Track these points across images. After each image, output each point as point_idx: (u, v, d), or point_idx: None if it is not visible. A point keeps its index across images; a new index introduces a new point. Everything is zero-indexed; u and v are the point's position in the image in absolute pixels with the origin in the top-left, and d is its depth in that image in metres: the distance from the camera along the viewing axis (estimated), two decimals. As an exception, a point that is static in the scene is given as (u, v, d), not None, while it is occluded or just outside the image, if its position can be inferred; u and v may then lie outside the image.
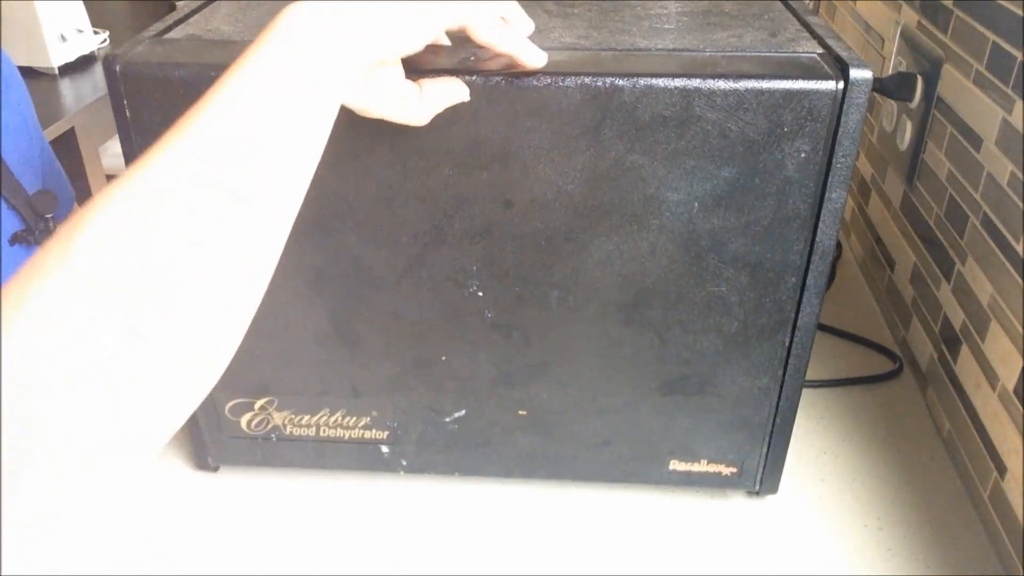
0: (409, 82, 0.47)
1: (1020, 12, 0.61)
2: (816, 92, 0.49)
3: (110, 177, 1.79)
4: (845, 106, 0.50)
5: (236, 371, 0.61)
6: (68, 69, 1.79)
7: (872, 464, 0.71)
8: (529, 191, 0.53)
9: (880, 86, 0.81)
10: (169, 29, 0.58)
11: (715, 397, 0.61)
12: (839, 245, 0.99)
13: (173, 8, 0.70)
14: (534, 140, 0.52)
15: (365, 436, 0.65)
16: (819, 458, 0.71)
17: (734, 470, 0.64)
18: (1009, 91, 0.63)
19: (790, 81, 0.49)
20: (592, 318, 0.58)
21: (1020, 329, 0.60)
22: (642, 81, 0.50)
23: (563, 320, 0.58)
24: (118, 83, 0.52)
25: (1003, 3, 0.64)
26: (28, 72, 1.75)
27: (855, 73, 0.49)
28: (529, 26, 0.52)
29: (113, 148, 1.85)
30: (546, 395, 0.62)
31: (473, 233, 0.55)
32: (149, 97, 0.53)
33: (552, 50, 0.52)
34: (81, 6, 1.80)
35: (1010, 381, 0.61)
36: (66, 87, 1.74)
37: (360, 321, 0.59)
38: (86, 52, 1.83)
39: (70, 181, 0.71)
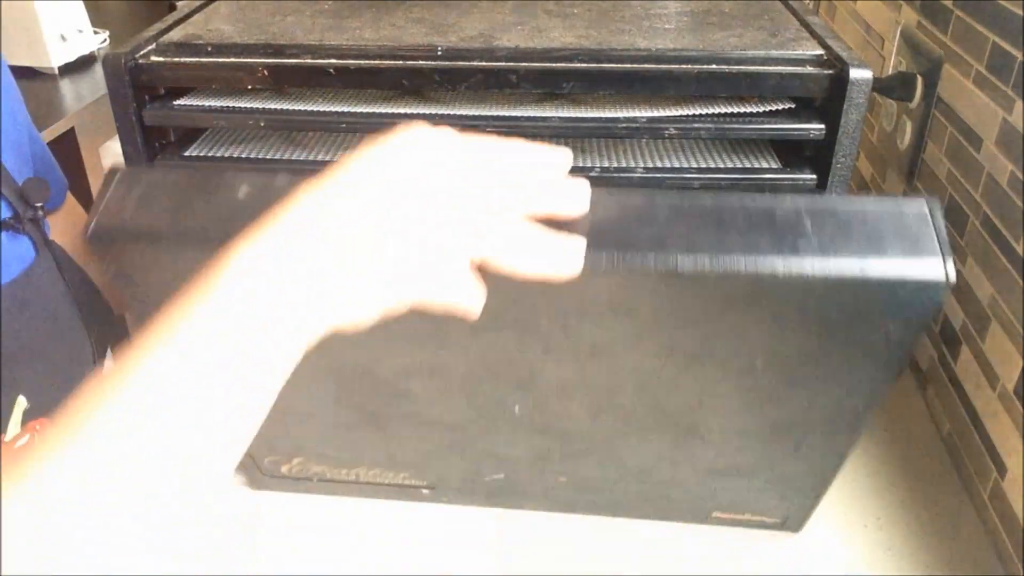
0: None
1: (1020, 12, 0.61)
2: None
3: (110, 177, 1.78)
4: (845, 106, 0.50)
5: (269, 436, 0.59)
6: (68, 69, 1.79)
7: (872, 464, 0.71)
8: (555, 368, 0.48)
9: (880, 86, 0.81)
10: (169, 29, 0.58)
11: (765, 478, 0.57)
12: (839, 245, 0.99)
13: (173, 8, 0.70)
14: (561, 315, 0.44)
15: (405, 483, 0.63)
16: (819, 458, 0.71)
17: (777, 520, 0.62)
18: (1009, 91, 0.63)
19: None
20: (634, 428, 0.53)
21: (1020, 329, 0.60)
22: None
23: (606, 428, 0.54)
24: (119, 84, 0.52)
25: (1003, 3, 0.64)
26: (28, 72, 1.75)
27: (855, 73, 0.49)
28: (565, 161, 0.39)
29: (113, 148, 1.85)
30: (586, 471, 0.59)
31: (508, 382, 0.50)
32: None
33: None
34: (81, 6, 1.80)
35: (1010, 381, 0.61)
36: (66, 87, 1.74)
37: (390, 415, 0.56)
38: (86, 52, 1.83)
39: (67, 175, 0.70)
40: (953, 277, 0.38)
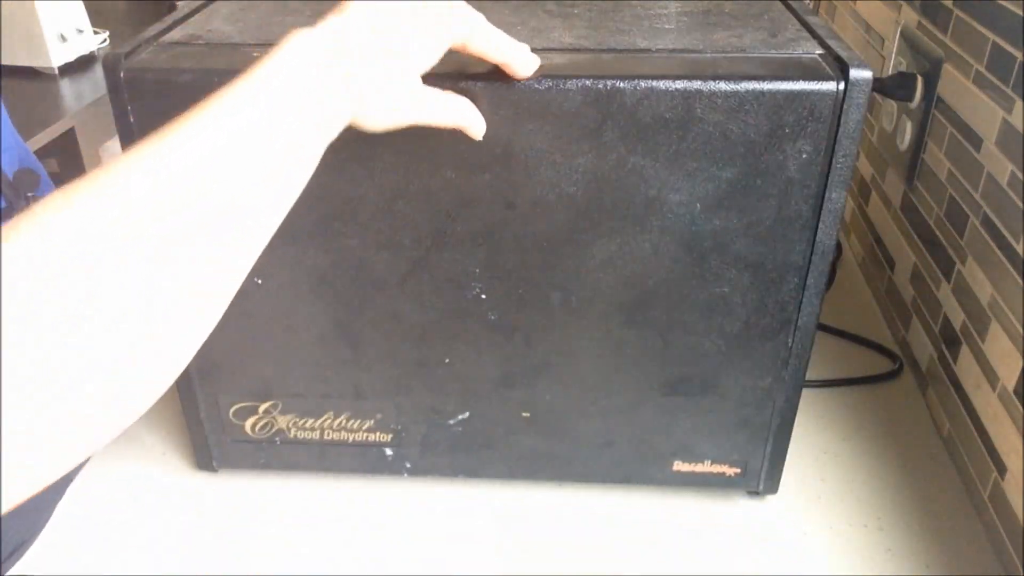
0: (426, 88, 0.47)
1: (1020, 12, 0.61)
2: (817, 93, 0.49)
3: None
4: (845, 106, 0.50)
5: (239, 373, 0.62)
6: (68, 69, 1.79)
7: (872, 464, 0.71)
8: (531, 193, 0.53)
9: (880, 86, 0.81)
10: (169, 29, 0.58)
11: (718, 397, 0.61)
12: (839, 245, 0.99)
13: (173, 8, 0.70)
14: (536, 142, 0.52)
15: (369, 439, 0.65)
16: (819, 458, 0.71)
17: (738, 471, 0.64)
18: (1009, 91, 0.63)
19: (791, 82, 0.49)
20: (594, 319, 0.58)
21: (1020, 329, 0.60)
22: (643, 83, 0.50)
23: (565, 321, 0.58)
24: (119, 84, 0.52)
25: (1003, 3, 0.64)
26: (28, 72, 1.75)
27: (855, 73, 0.49)
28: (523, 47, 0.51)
29: (113, 148, 1.85)
30: (549, 396, 0.62)
31: (475, 235, 0.55)
32: (150, 98, 0.53)
33: (552, 52, 0.52)
34: (81, 6, 1.80)
35: (1010, 381, 0.61)
36: (66, 87, 1.74)
37: (362, 323, 0.59)
38: (86, 52, 1.83)
39: (70, 181, 0.72)
40: (842, 88, 0.49)
